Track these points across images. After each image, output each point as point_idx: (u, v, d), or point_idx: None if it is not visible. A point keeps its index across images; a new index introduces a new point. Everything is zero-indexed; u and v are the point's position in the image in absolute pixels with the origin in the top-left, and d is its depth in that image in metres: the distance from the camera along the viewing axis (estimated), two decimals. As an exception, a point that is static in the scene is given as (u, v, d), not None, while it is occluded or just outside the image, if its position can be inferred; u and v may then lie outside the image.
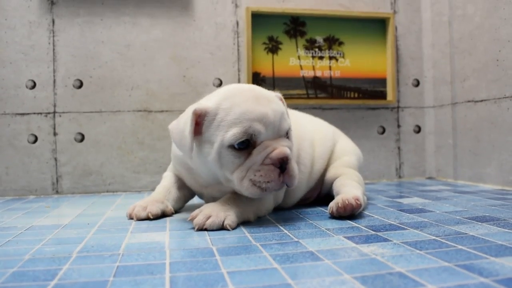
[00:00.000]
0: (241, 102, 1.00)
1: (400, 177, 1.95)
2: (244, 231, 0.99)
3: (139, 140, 1.75)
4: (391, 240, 0.87)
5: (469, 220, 1.04)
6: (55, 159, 1.70)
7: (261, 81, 1.80)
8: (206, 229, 0.99)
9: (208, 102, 1.05)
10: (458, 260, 0.73)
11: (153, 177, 1.75)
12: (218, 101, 1.03)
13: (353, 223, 1.05)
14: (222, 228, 1.00)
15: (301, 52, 1.84)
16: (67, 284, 0.67)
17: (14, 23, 1.69)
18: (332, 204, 1.13)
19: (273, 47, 1.82)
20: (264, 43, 1.82)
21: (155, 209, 1.17)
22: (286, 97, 1.80)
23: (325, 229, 1.00)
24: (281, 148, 1.00)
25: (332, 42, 1.86)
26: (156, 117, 1.76)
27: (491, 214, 1.11)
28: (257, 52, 1.80)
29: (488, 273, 0.67)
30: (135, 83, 1.75)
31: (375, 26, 1.90)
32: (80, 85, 1.72)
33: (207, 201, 1.22)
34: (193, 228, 1.01)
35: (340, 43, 1.87)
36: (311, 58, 1.85)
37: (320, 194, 1.36)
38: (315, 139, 1.33)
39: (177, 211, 1.26)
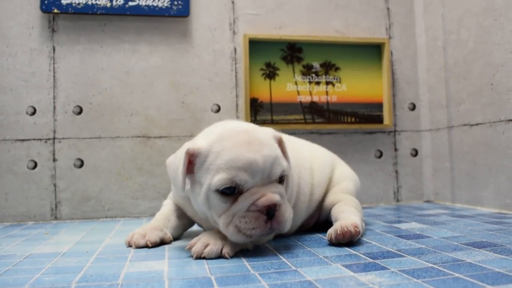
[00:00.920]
0: (231, 147, 1.00)
1: (398, 200, 1.96)
2: (242, 259, 1.00)
3: (138, 166, 1.76)
4: (388, 268, 0.88)
5: (466, 246, 1.05)
6: (54, 185, 1.71)
7: (258, 106, 1.82)
8: (204, 257, 1.00)
9: (202, 142, 1.05)
10: (455, 289, 0.74)
11: (151, 203, 1.76)
12: (211, 142, 1.03)
13: (351, 250, 1.06)
14: (220, 256, 1.00)
15: (298, 77, 1.87)
16: (66, 317, 0.67)
17: (16, 51, 1.72)
18: (330, 231, 1.13)
19: (271, 73, 1.85)
20: (262, 69, 1.84)
21: (154, 237, 1.17)
22: (284, 122, 1.83)
23: (323, 256, 1.00)
24: (268, 195, 0.98)
25: (328, 67, 1.89)
26: (155, 143, 1.77)
27: (488, 239, 1.12)
28: (255, 78, 1.83)
29: (484, 303, 0.67)
30: (134, 109, 1.77)
31: (371, 52, 1.93)
32: (80, 111, 1.74)
33: (206, 229, 1.22)
34: (192, 256, 1.02)
35: (337, 69, 1.90)
36: (308, 84, 1.87)
37: (319, 220, 1.36)
38: (314, 166, 1.34)
39: (175, 238, 1.26)
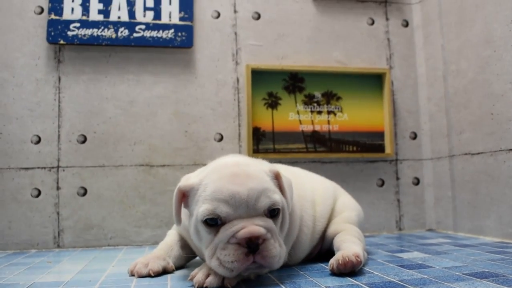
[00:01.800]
0: (216, 179, 1.02)
1: (400, 229, 1.96)
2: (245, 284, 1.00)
3: (141, 195, 1.77)
4: (389, 299, 0.88)
5: (468, 277, 1.05)
6: (58, 213, 1.72)
7: (261, 135, 1.84)
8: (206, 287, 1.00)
9: (195, 178, 1.08)
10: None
11: (154, 231, 1.76)
12: (203, 176, 1.06)
13: (353, 280, 1.06)
14: (222, 286, 1.00)
15: (300, 107, 1.89)
16: None
17: (22, 81, 1.75)
18: (332, 261, 1.13)
19: (273, 103, 1.87)
20: (264, 99, 1.87)
21: (157, 266, 1.17)
22: (286, 151, 1.84)
23: (325, 287, 1.00)
24: (250, 227, 0.96)
25: (330, 97, 1.92)
26: (158, 172, 1.78)
27: (490, 269, 1.12)
28: (257, 107, 1.85)
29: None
30: (138, 138, 1.79)
31: (372, 81, 1.96)
32: (84, 140, 1.76)
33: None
34: (193, 286, 1.02)
35: (338, 98, 1.92)
36: (310, 113, 1.89)
37: (322, 249, 1.36)
38: (316, 198, 1.35)
39: (178, 268, 1.26)
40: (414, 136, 2.01)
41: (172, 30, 1.81)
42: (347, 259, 1.11)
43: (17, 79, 1.75)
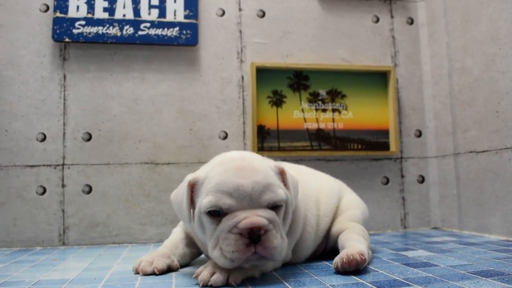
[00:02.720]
0: (221, 172, 1.03)
1: (405, 227, 1.95)
2: (248, 286, 1.00)
3: (146, 192, 1.77)
4: (394, 298, 0.88)
5: (473, 275, 1.04)
6: (63, 210, 1.72)
7: (265, 133, 1.84)
8: (211, 286, 1.00)
9: (200, 172, 1.09)
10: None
11: (159, 229, 1.76)
12: (208, 170, 1.07)
13: (358, 278, 1.06)
14: (227, 284, 1.00)
15: (305, 105, 1.89)
16: None
17: (27, 78, 1.76)
18: (337, 259, 1.13)
19: (278, 101, 1.87)
20: (269, 97, 1.87)
21: (161, 264, 1.18)
22: (291, 149, 1.84)
23: (330, 285, 1.00)
24: (252, 218, 0.97)
25: (335, 95, 1.91)
26: (163, 170, 1.79)
27: (495, 268, 1.11)
28: (262, 105, 1.85)
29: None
30: (143, 136, 1.79)
31: (377, 79, 1.96)
32: (89, 138, 1.77)
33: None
34: (198, 284, 1.02)
35: (343, 96, 1.92)
36: (314, 111, 1.89)
37: (326, 248, 1.36)
38: (320, 197, 1.34)
39: (183, 266, 1.26)
40: (419, 134, 2.00)
41: (177, 28, 1.81)
42: (351, 257, 1.11)
43: (23, 77, 1.76)
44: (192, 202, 1.08)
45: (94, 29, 1.77)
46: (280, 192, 1.04)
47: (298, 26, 1.95)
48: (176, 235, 1.30)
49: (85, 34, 1.76)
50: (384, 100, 1.95)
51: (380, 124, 1.94)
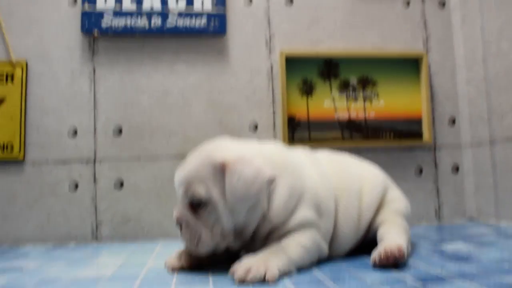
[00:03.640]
0: None
1: (440, 219, 1.92)
2: (286, 282, 0.99)
3: (177, 185, 1.77)
4: (440, 296, 0.86)
5: (518, 269, 1.02)
6: (95, 206, 1.73)
7: (296, 125, 1.82)
8: (248, 282, 0.99)
9: None
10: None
11: (191, 222, 1.76)
12: None
13: (398, 274, 1.04)
14: (263, 280, 0.99)
15: (335, 94, 1.86)
16: None
17: (58, 73, 1.77)
18: (375, 255, 1.11)
19: (308, 90, 1.85)
20: (299, 86, 1.84)
21: (191, 259, 1.18)
22: (322, 140, 1.82)
23: (370, 281, 0.98)
24: (174, 212, 1.12)
25: (366, 83, 1.88)
26: (194, 162, 1.78)
27: (543, 261, 1.09)
28: (292, 95, 1.83)
29: None
30: (173, 129, 1.79)
31: (408, 65, 1.91)
32: (120, 132, 1.77)
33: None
34: (235, 280, 1.01)
35: (374, 84, 1.89)
36: (345, 100, 1.86)
37: (366, 239, 1.33)
38: (364, 187, 1.30)
39: (218, 261, 1.26)
40: (453, 122, 1.96)
41: (205, 18, 1.79)
42: (389, 253, 1.09)
43: (53, 71, 1.77)
44: None
45: (122, 22, 1.76)
46: (198, 191, 1.07)
47: (327, 13, 1.91)
48: None
49: (113, 27, 1.76)
50: (416, 87, 1.91)
51: (413, 112, 1.90)
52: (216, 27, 1.80)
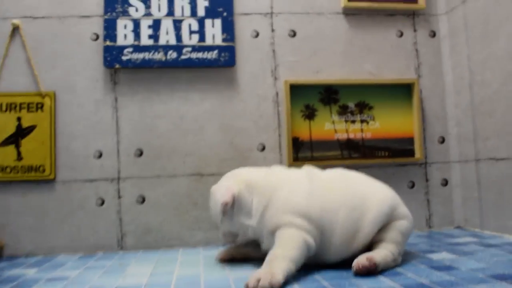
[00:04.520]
0: None
1: (430, 227, 2.11)
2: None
3: (193, 201, 1.96)
4: (421, 304, 1.04)
5: (490, 278, 1.20)
6: (120, 219, 1.93)
7: (300, 144, 2.01)
8: None
9: None
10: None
11: (206, 233, 1.96)
12: None
13: (391, 281, 1.21)
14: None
15: (335, 117, 2.05)
16: None
17: (83, 102, 1.96)
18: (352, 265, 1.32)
19: (310, 114, 2.03)
20: (302, 111, 2.03)
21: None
22: (323, 159, 2.01)
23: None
24: None
25: (362, 107, 2.07)
26: (208, 180, 1.97)
27: (511, 271, 1.27)
28: (296, 118, 2.02)
29: None
30: (189, 151, 1.98)
31: (402, 91, 2.10)
32: (141, 153, 1.96)
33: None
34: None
35: (370, 108, 2.07)
36: (344, 122, 2.05)
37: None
38: (368, 204, 1.42)
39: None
40: (442, 140, 2.14)
41: (216, 51, 1.98)
42: (361, 265, 1.30)
43: (79, 100, 1.96)
44: None
45: (141, 55, 1.95)
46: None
47: (327, 44, 2.10)
48: None
49: (133, 60, 1.95)
50: (409, 110, 2.10)
51: (406, 132, 2.09)
52: (226, 59, 1.98)
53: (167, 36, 1.98)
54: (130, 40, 1.96)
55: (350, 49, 2.12)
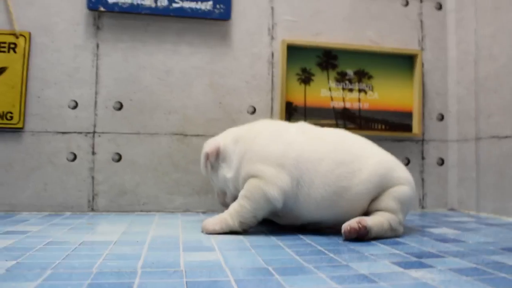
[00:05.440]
0: None
1: (423, 207, 2.01)
2: (291, 253, 1.05)
3: (174, 163, 1.81)
4: (435, 267, 0.93)
5: (503, 251, 1.09)
6: (92, 177, 1.76)
7: (293, 110, 1.88)
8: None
9: None
10: (506, 287, 0.79)
11: (186, 199, 1.81)
12: None
13: (394, 249, 1.11)
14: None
15: (332, 84, 1.92)
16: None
17: (61, 46, 1.78)
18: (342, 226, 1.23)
19: (306, 78, 1.90)
20: (297, 74, 1.90)
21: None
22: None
23: (368, 254, 1.05)
24: None
25: (361, 75, 1.95)
26: (192, 141, 1.83)
27: (523, 246, 1.17)
28: (291, 82, 1.89)
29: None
30: (173, 108, 1.83)
31: (403, 62, 1.99)
32: (120, 107, 1.80)
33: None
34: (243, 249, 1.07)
35: (370, 77, 1.95)
36: (341, 90, 1.93)
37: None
38: (363, 163, 1.31)
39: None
40: (441, 118, 2.04)
41: (211, 2, 1.83)
42: (349, 227, 1.21)
43: (56, 44, 1.78)
44: None
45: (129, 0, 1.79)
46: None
47: (329, 6, 1.97)
48: None
49: (120, 3, 1.78)
50: (410, 83, 1.99)
51: (404, 106, 1.98)
52: (221, 12, 1.83)
53: (158, -19, 1.82)
54: (117, -18, 1.79)
55: (353, 13, 1.99)
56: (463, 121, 1.98)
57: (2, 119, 1.72)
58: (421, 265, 0.94)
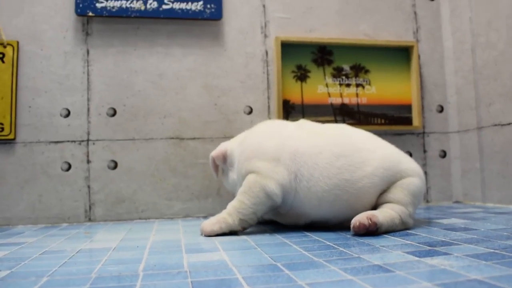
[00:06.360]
0: None
1: (427, 201, 1.97)
2: (299, 249, 1.01)
3: (171, 167, 1.77)
4: (451, 254, 0.89)
5: (518, 237, 1.06)
6: (88, 186, 1.72)
7: (290, 108, 1.84)
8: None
9: None
10: (529, 269, 0.75)
11: (185, 204, 1.76)
12: None
13: (405, 240, 1.07)
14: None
15: (329, 80, 1.89)
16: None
17: (50, 53, 1.74)
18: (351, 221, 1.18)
19: (302, 75, 1.87)
20: (293, 72, 1.86)
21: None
22: (316, 124, 1.84)
23: (380, 246, 1.01)
24: None
25: (358, 70, 1.91)
26: (188, 145, 1.78)
27: (536, 231, 1.13)
28: (286, 80, 1.85)
29: None
30: (168, 111, 1.79)
31: (399, 55, 1.96)
32: (114, 113, 1.76)
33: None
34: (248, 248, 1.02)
35: (366, 71, 1.92)
36: (338, 86, 1.89)
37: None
38: (367, 156, 1.27)
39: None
40: (441, 109, 2.01)
41: (201, 2, 1.80)
42: (358, 223, 1.16)
43: (45, 52, 1.74)
44: None
45: (117, 3, 1.75)
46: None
47: (321, 1, 1.94)
48: None
49: (108, 8, 1.74)
50: (407, 75, 1.96)
51: (403, 99, 1.94)
52: (212, 11, 1.80)
53: (146, -16, 1.78)
54: (105, -14, 1.76)
55: (346, 7, 1.96)
56: (463, 111, 1.95)
57: (-7, 131, 1.68)
58: (436, 253, 0.90)
